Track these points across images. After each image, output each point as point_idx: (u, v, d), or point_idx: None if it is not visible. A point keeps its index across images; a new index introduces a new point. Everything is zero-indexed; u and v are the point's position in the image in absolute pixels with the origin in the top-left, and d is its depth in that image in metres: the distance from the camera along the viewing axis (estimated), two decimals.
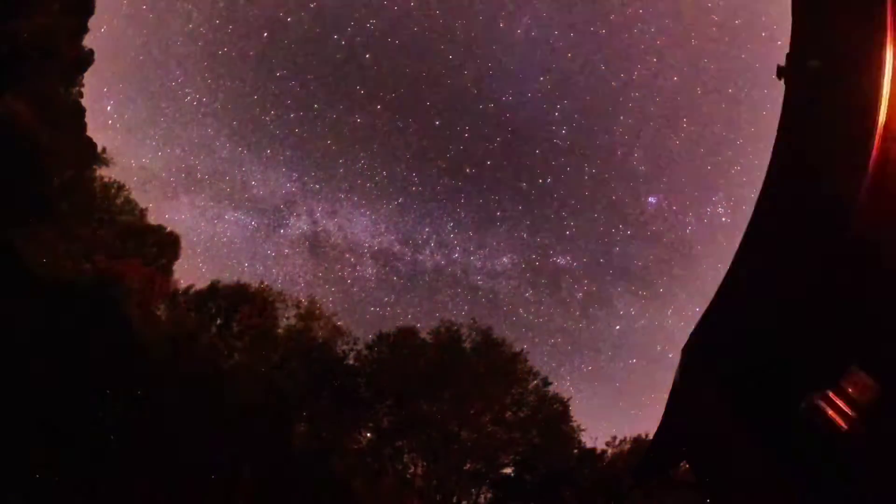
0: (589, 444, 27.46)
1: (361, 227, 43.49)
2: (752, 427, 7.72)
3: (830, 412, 6.49)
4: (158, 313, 24.38)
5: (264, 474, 21.00)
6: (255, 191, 42.75)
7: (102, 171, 25.17)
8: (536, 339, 41.62)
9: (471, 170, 43.54)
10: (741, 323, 6.98)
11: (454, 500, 25.86)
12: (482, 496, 26.59)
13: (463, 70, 42.30)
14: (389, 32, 41.19)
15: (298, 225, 42.60)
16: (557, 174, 42.80)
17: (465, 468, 26.25)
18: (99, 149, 25.08)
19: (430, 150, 43.62)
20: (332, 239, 42.74)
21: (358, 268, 42.35)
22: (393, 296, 41.50)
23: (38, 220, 20.06)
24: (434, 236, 43.62)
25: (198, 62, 40.66)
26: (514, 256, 43.32)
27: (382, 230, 43.51)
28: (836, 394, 6.44)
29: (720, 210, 40.10)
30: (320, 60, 42.06)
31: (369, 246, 43.05)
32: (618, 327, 41.78)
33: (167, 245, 26.46)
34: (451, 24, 41.44)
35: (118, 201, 25.95)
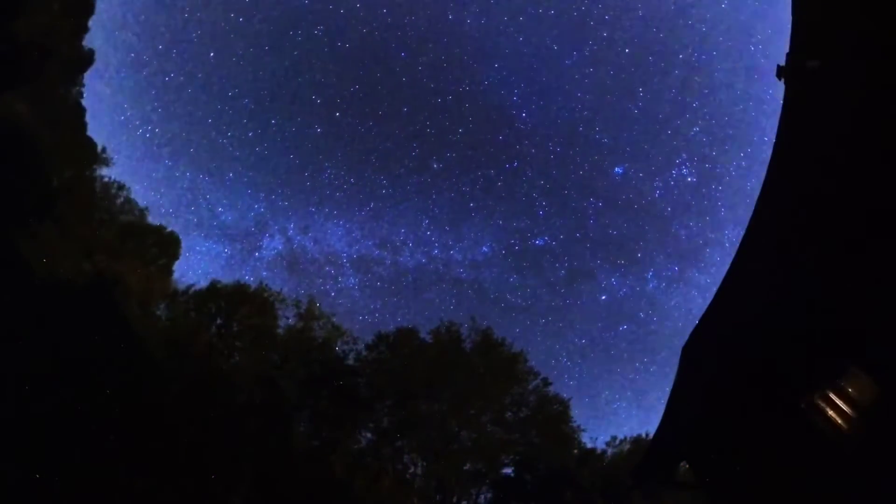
0: (589, 445, 27.51)
1: (337, 237, 43.08)
2: (752, 427, 7.72)
3: (830, 412, 6.50)
4: (158, 313, 24.37)
5: (264, 474, 21.00)
6: (223, 217, 41.95)
7: (102, 171, 25.19)
8: (528, 322, 41.99)
9: (438, 165, 43.53)
10: (741, 323, 6.98)
11: (454, 500, 25.85)
12: (482, 496, 26.59)
13: (417, 66, 42.21)
14: (338, 36, 40.85)
15: (273, 245, 42.11)
16: (523, 157, 43.13)
17: (465, 468, 26.25)
18: (99, 148, 25.11)
19: (394, 151, 43.48)
20: (310, 254, 42.42)
21: (340, 279, 42.11)
22: (379, 301, 41.30)
23: (38, 220, 20.05)
24: (411, 236, 43.52)
25: (145, 92, 39.41)
26: (493, 244, 43.55)
27: (359, 237, 43.18)
28: (836, 394, 6.44)
29: (685, 171, 40.99)
30: (271, 74, 41.44)
31: (348, 255, 42.74)
32: (603, 298, 42.34)
33: (167, 245, 26.45)
34: (399, 22, 41.25)
35: (118, 201, 25.95)
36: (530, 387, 27.13)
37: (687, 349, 7.68)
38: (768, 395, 7.17)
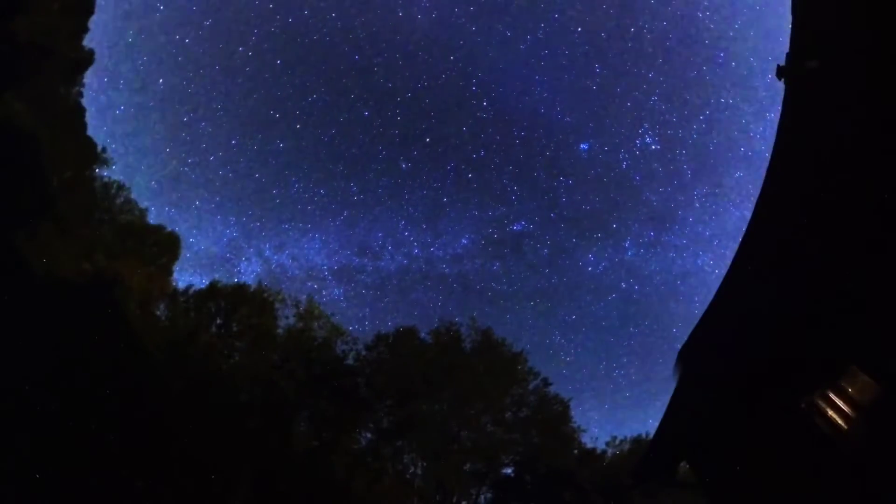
0: (589, 445, 27.54)
1: (315, 251, 43.06)
2: (752, 427, 7.72)
3: (830, 412, 6.49)
4: (158, 313, 24.38)
5: (264, 474, 21.00)
6: (195, 247, 41.44)
7: (102, 171, 25.20)
8: (517, 307, 42.67)
9: (407, 164, 43.82)
10: (741, 323, 6.98)
11: (454, 500, 25.86)
12: (482, 496, 26.60)
13: (373, 67, 42.40)
14: (289, 48, 40.17)
15: (251, 269, 41.68)
16: (489, 145, 43.74)
17: (465, 468, 26.25)
18: (99, 148, 25.12)
19: (361, 156, 43.55)
20: (290, 272, 42.44)
21: (324, 292, 42.17)
22: (367, 309, 41.39)
23: (38, 220, 20.05)
24: (389, 239, 43.76)
25: (97, 127, 39.57)
26: (472, 236, 44.17)
27: (337, 248, 43.20)
28: (836, 394, 6.44)
29: (648, 140, 42.09)
30: (225, 93, 40.54)
31: (328, 267, 42.76)
32: (586, 273, 43.28)
33: (167, 245, 26.44)
34: (349, 25, 41.13)
35: (118, 201, 25.93)
36: (530, 387, 27.16)
37: (686, 349, 7.67)
38: (768, 395, 7.17)
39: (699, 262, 41.68)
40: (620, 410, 39.51)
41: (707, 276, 41.53)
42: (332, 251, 42.77)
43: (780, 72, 5.24)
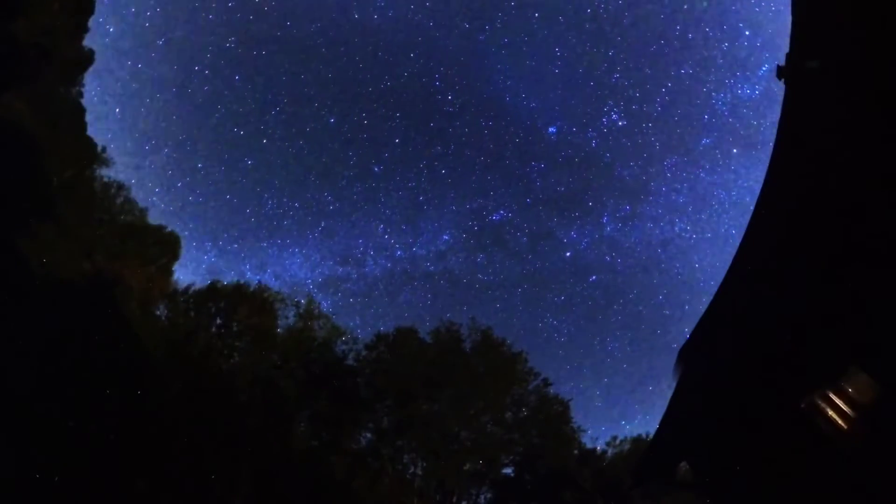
0: (589, 445, 27.55)
1: (297, 266, 42.24)
2: (752, 427, 7.72)
3: (830, 412, 6.50)
4: (158, 313, 24.38)
5: (264, 474, 21.01)
6: (176, 275, 41.84)
7: (102, 171, 25.19)
8: (506, 296, 42.78)
9: (379, 167, 43.51)
10: (740, 323, 6.98)
11: (454, 500, 25.86)
12: (482, 496, 26.61)
13: (334, 72, 41.88)
14: (247, 62, 39.44)
15: None
16: (458, 139, 43.58)
17: (465, 468, 26.26)
18: (99, 149, 25.11)
19: (332, 164, 42.99)
20: (275, 290, 42.67)
21: (311, 306, 42.46)
22: (357, 317, 40.84)
23: (38, 220, 20.05)
24: (370, 244, 43.24)
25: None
26: (453, 231, 43.95)
27: (318, 260, 42.48)
28: (836, 394, 6.45)
29: (614, 117, 42.45)
30: (185, 117, 39.42)
31: (313, 280, 42.11)
32: (568, 254, 43.34)
33: (167, 245, 26.43)
34: (306, 32, 40.41)
35: (118, 201, 25.91)
36: (530, 387, 27.16)
37: (686, 349, 7.67)
38: (768, 396, 7.18)
39: (676, 229, 42.30)
40: (620, 392, 39.72)
41: (685, 242, 42.06)
42: (314, 264, 42.23)
43: (780, 72, 5.24)
